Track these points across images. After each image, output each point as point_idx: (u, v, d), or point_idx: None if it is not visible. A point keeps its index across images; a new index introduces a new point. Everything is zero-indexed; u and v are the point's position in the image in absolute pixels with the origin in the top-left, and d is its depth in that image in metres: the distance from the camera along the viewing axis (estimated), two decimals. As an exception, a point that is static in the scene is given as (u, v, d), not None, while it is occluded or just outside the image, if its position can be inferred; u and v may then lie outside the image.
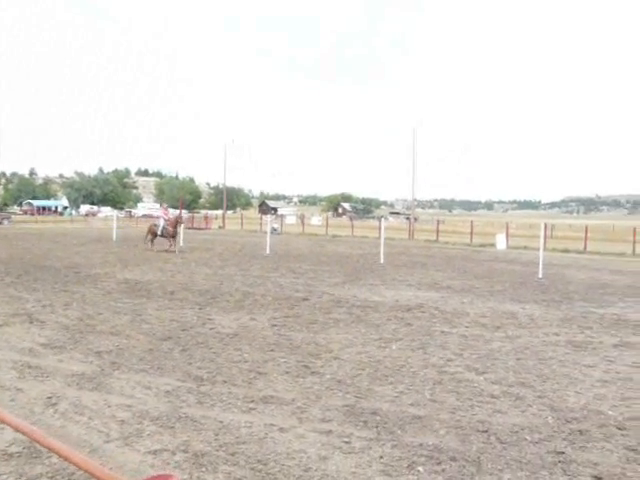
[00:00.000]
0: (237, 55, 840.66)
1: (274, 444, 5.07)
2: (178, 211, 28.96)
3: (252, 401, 6.17)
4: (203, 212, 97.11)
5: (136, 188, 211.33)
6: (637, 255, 33.33)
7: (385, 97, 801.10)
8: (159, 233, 26.93)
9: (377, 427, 5.54)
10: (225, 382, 6.83)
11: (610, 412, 6.11)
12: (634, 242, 35.92)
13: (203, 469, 4.56)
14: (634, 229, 38.61)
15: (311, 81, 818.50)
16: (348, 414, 5.87)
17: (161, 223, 27.13)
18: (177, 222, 27.56)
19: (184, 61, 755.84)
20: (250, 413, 5.82)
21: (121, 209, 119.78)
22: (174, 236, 26.81)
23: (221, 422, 5.54)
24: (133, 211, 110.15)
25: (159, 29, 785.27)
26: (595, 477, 4.56)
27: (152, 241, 27.07)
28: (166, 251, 25.72)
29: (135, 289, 14.03)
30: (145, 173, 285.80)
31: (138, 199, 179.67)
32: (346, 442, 5.16)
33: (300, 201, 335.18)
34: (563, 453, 5.01)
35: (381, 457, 4.87)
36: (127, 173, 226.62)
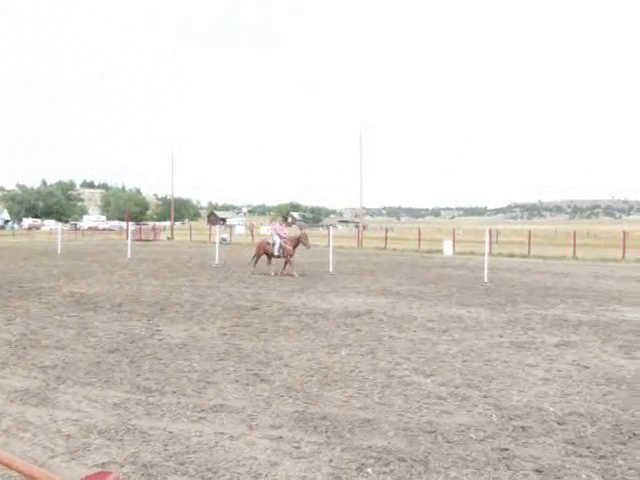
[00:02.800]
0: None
1: (224, 452, 5.08)
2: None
3: (202, 410, 6.15)
4: (151, 224, 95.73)
5: (81, 200, 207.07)
6: (577, 258, 34.33)
7: (335, 104, 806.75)
8: (275, 253, 21.83)
9: (327, 431, 5.60)
10: (174, 392, 6.79)
11: (551, 408, 6.31)
12: (574, 245, 37.06)
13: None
14: (574, 233, 39.88)
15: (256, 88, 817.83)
16: (298, 420, 5.92)
17: (277, 241, 21.94)
18: (299, 242, 22.10)
19: (121, 65, 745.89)
20: (200, 422, 5.81)
21: (66, 222, 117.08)
22: (292, 256, 22.07)
23: (170, 432, 5.51)
24: (79, 224, 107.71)
25: (84, 30, 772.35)
26: (536, 471, 4.72)
27: (266, 261, 22.18)
28: (274, 274, 21.40)
29: (81, 302, 13.78)
30: (91, 185, 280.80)
31: (84, 211, 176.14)
32: (296, 447, 5.20)
33: (249, 211, 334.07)
34: (507, 449, 5.16)
35: (331, 461, 4.93)
36: (72, 185, 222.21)
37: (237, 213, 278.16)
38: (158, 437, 5.40)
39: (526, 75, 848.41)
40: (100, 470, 3.51)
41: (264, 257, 22.35)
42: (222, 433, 5.50)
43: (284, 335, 10.30)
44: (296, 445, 5.25)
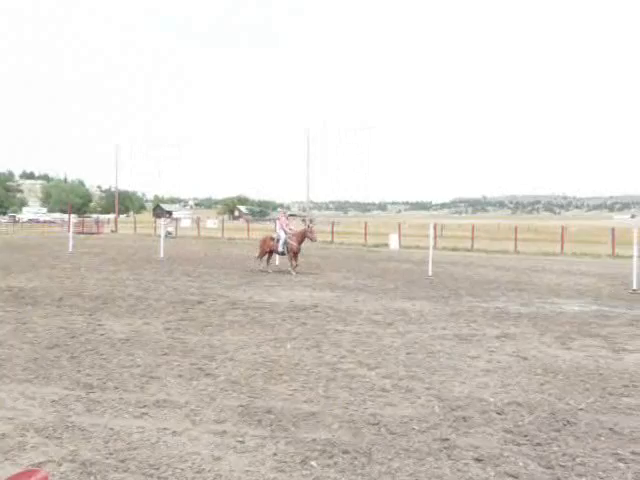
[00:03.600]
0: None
1: (167, 448, 5.02)
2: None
3: (144, 406, 6.06)
4: (94, 216, 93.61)
5: (21, 192, 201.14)
6: (519, 252, 35.17)
7: (279, 98, 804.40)
8: (279, 250, 20.60)
9: (271, 425, 5.59)
10: (116, 388, 6.67)
11: (491, 399, 6.46)
12: (516, 240, 37.98)
13: (92, 478, 4.45)
14: (515, 228, 40.87)
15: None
16: (242, 414, 5.89)
17: (282, 236, 20.53)
18: (304, 236, 20.59)
19: (69, 54, 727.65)
20: (142, 418, 5.73)
21: (4, 214, 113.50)
22: (297, 253, 20.64)
23: (111, 429, 5.41)
24: (17, 216, 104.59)
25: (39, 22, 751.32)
26: (476, 459, 4.82)
27: (268, 260, 21.11)
28: (272, 272, 20.50)
29: (19, 297, 13.39)
30: (31, 176, 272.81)
31: (23, 203, 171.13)
32: (240, 441, 5.18)
33: (196, 204, 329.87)
34: (448, 439, 5.25)
35: (275, 454, 4.93)
36: (10, 176, 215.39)
37: (184, 206, 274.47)
38: (98, 434, 5.29)
39: (470, 73, 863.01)
40: (28, 468, 3.44)
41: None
42: (165, 429, 5.44)
43: (229, 329, 10.24)
44: (240, 439, 5.23)
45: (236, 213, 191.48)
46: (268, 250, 20.82)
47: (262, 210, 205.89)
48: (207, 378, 7.15)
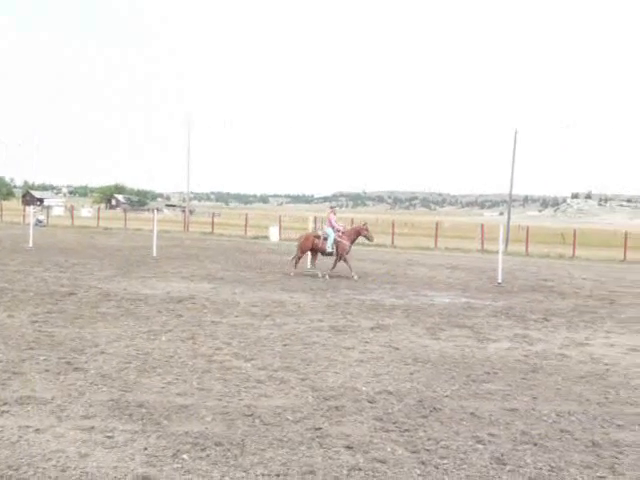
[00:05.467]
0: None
1: (28, 446, 4.77)
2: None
3: (5, 404, 5.72)
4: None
5: None
6: (396, 246, 36.34)
7: (160, 85, 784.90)
8: (328, 250, 18.07)
9: (143, 419, 5.46)
10: (-26, 385, 6.27)
11: (363, 388, 6.65)
12: (393, 234, 39.22)
13: (-56, 481, 4.16)
14: (393, 222, 42.21)
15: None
16: (113, 408, 5.71)
17: (331, 235, 18.03)
18: (358, 235, 18.55)
19: None
20: (2, 416, 5.40)
21: None
22: (348, 253, 18.24)
23: (-33, 429, 5.08)
24: None
25: None
26: (347, 447, 4.95)
27: (314, 260, 18.74)
28: (322, 275, 17.87)
29: None
30: None
31: None
32: (109, 437, 5.02)
33: (70, 192, 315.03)
34: (320, 429, 5.35)
35: (145, 449, 4.81)
36: None
37: (56, 194, 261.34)
38: (-48, 434, 4.95)
39: (350, 65, 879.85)
40: None
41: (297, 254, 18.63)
42: (27, 426, 5.16)
43: (102, 321, 9.90)
44: (109, 435, 5.07)
45: (113, 202, 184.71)
46: (310, 249, 18.53)
47: (140, 200, 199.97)
48: (76, 372, 6.88)
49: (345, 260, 18.05)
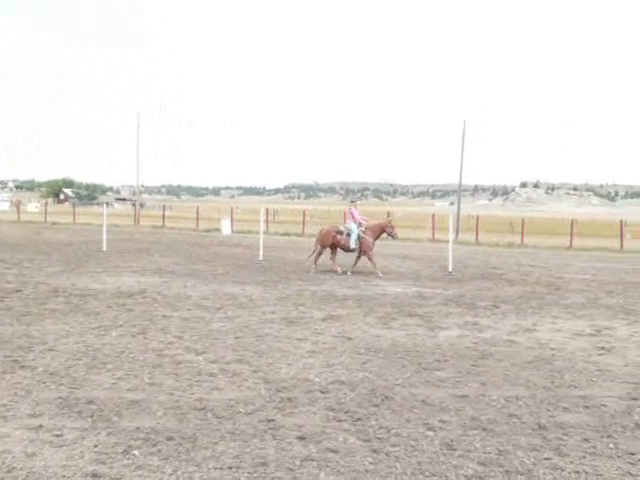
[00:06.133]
0: None
1: (-28, 448, 4.65)
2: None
3: (-52, 404, 5.57)
4: None
5: None
6: (348, 237, 36.43)
7: (109, 79, 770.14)
8: (352, 246, 17.20)
9: (92, 416, 5.37)
10: None
11: (316, 379, 6.68)
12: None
13: None
14: (344, 213, 42.30)
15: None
16: (61, 406, 5.60)
17: (354, 230, 17.17)
18: (383, 231, 17.70)
19: None
20: (-56, 417, 5.26)
21: None
22: (372, 250, 17.35)
23: None
24: None
25: None
26: (299, 438, 4.96)
27: (333, 257, 17.66)
28: (342, 271, 17.16)
29: None
30: None
31: None
32: (57, 435, 4.92)
33: (17, 186, 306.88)
34: (273, 420, 5.35)
35: (95, 446, 4.74)
36: None
37: (2, 188, 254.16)
38: None
39: (300, 60, 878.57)
40: None
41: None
42: (-29, 427, 5.03)
43: (50, 318, 9.69)
44: (58, 433, 4.97)
45: (61, 196, 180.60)
46: (330, 245, 17.51)
47: (90, 194, 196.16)
48: (23, 370, 6.72)
49: (369, 258, 17.30)
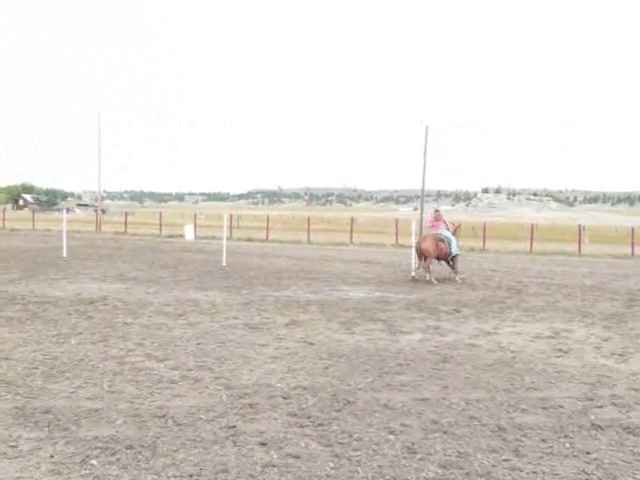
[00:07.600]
0: None
1: None
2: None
3: None
4: None
5: None
6: (312, 242, 36.57)
7: (67, 80, 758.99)
8: (454, 252, 17.30)
9: (49, 426, 5.27)
10: None
11: (278, 384, 6.66)
12: (309, 230, 39.50)
13: None
14: (308, 219, 42.50)
15: None
16: (17, 416, 5.48)
17: (452, 239, 17.41)
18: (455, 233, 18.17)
19: None
20: None
21: None
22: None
23: None
24: None
25: None
26: (261, 444, 4.94)
27: (428, 266, 17.06)
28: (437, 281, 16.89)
29: None
30: None
31: None
32: (12, 446, 4.81)
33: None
34: (234, 427, 5.32)
35: (52, 456, 4.65)
36: None
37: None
38: None
39: (266, 65, 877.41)
40: None
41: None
42: None
43: (7, 326, 9.48)
44: (13, 444, 4.86)
45: (21, 202, 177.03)
46: (437, 255, 17.20)
47: (50, 199, 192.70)
48: (-23, 381, 6.57)
49: (451, 263, 17.65)
